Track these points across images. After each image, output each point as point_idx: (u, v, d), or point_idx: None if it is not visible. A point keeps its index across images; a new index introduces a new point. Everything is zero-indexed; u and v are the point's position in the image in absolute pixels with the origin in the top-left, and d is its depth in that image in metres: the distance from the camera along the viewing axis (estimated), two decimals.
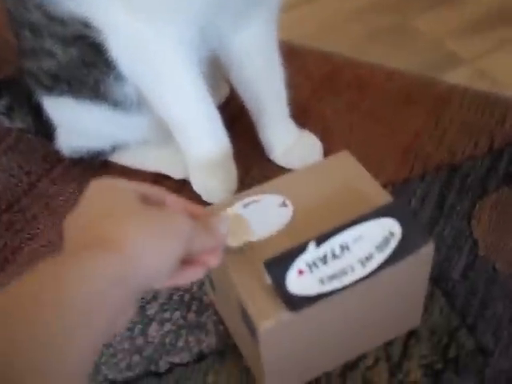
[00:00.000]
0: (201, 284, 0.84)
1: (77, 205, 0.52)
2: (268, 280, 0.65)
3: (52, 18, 0.83)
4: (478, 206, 0.92)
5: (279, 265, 0.65)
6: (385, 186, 0.82)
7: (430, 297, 0.81)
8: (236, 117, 1.01)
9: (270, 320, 0.64)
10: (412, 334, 0.78)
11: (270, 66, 0.95)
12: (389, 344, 0.78)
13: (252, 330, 0.66)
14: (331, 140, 1.02)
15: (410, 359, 0.76)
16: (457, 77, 1.15)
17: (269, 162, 1.00)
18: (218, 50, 0.91)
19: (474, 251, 0.87)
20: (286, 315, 0.64)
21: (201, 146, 0.91)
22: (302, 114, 1.04)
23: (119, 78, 0.84)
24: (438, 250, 0.86)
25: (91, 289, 0.44)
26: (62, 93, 0.89)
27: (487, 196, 0.93)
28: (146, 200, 0.54)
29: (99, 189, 0.54)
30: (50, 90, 0.90)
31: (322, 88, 1.15)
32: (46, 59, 0.87)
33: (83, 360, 0.43)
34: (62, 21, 0.82)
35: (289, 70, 0.97)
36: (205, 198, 0.92)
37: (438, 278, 0.84)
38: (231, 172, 0.93)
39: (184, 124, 0.89)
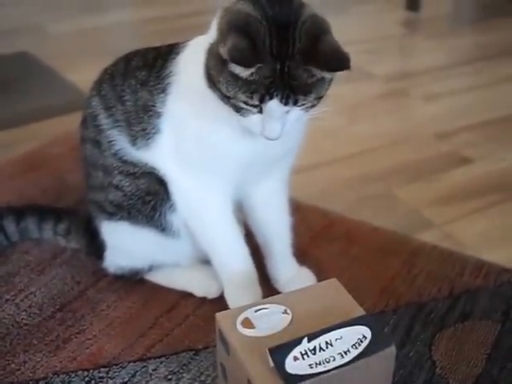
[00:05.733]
0: (214, 377, 1.06)
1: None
2: (271, 363, 0.88)
3: (124, 162, 1.11)
4: (437, 336, 1.15)
5: (280, 352, 0.88)
6: None
7: None
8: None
9: None
10: None
11: (280, 215, 1.20)
12: None
13: None
14: (324, 278, 1.26)
15: None
16: (428, 237, 1.42)
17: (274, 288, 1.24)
18: (242, 199, 1.18)
19: (432, 370, 1.08)
20: None
21: (233, 269, 1.14)
22: (301, 256, 1.26)
23: (172, 207, 1.11)
24: (403, 367, 1.08)
25: None
26: (120, 218, 1.14)
27: (446, 329, 1.16)
28: None
29: None
30: (111, 216, 1.15)
31: (319, 237, 1.40)
32: (112, 192, 1.13)
33: None
34: (133, 163, 1.11)
35: (293, 220, 1.21)
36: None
37: None
38: (257, 290, 1.15)
39: (221, 252, 1.14)
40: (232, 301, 1.15)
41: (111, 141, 1.12)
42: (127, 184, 1.12)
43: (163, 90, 1.06)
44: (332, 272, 1.25)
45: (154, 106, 1.07)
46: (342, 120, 1.91)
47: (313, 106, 0.95)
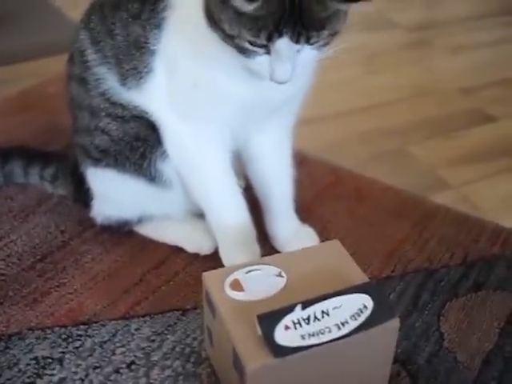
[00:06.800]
0: (201, 340, 0.98)
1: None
2: (259, 331, 0.79)
3: (113, 103, 1.01)
4: (447, 306, 1.06)
5: (269, 320, 0.79)
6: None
7: (396, 376, 0.94)
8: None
9: (257, 362, 0.77)
10: None
11: (282, 167, 1.11)
12: None
13: (241, 372, 0.79)
14: (328, 238, 1.16)
15: None
16: (443, 199, 1.32)
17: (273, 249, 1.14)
18: (241, 149, 1.08)
19: (439, 342, 0.99)
20: (270, 360, 0.77)
21: (228, 224, 1.04)
22: (304, 213, 1.17)
23: (164, 155, 1.02)
24: (408, 338, 1.00)
25: None
26: (107, 165, 1.05)
27: (456, 299, 1.07)
28: None
29: None
30: (97, 162, 1.06)
31: (325, 194, 1.31)
32: (99, 136, 1.04)
33: None
34: (122, 105, 1.01)
35: (298, 175, 1.12)
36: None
37: (406, 361, 0.96)
38: (254, 248, 1.06)
39: (216, 204, 1.04)
40: (227, 259, 1.06)
41: (99, 79, 1.02)
42: (115, 128, 1.03)
43: (157, 25, 0.96)
44: (337, 232, 1.18)
45: (146, 43, 0.97)
46: (358, 70, 1.79)
47: (326, 44, 0.84)
